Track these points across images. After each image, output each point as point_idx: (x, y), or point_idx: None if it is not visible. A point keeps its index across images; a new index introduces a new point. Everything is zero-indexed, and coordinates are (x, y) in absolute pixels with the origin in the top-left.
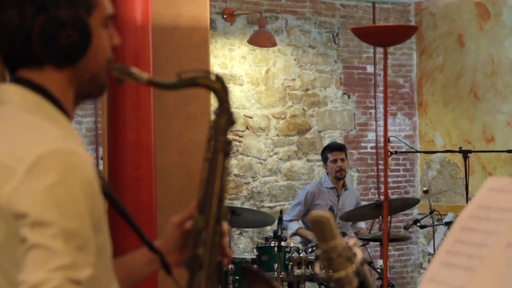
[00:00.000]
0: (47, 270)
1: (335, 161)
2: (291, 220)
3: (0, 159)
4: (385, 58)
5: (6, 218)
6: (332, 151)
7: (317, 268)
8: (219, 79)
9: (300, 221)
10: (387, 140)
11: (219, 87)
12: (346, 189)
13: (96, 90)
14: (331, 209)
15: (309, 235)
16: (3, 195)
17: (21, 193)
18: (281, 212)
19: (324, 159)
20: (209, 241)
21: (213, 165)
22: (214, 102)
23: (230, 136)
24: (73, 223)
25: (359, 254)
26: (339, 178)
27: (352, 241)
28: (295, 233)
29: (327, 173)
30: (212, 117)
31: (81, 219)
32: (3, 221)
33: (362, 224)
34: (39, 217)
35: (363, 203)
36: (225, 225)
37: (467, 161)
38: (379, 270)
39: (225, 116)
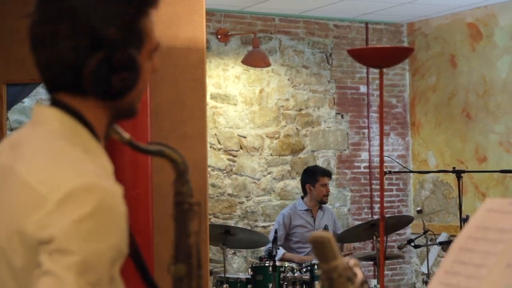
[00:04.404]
0: None
1: (325, 185)
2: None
3: (32, 185)
4: (381, 79)
5: (30, 246)
6: (324, 176)
7: None
8: (180, 154)
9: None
10: (383, 161)
11: (181, 161)
12: (322, 210)
13: (129, 115)
14: (325, 228)
15: (295, 258)
16: (30, 223)
17: (50, 221)
18: (275, 231)
19: (313, 181)
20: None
21: (184, 222)
22: (210, 123)
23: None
24: (93, 259)
25: (360, 274)
26: (323, 202)
27: (352, 261)
28: (281, 259)
29: (302, 197)
30: (174, 185)
31: (102, 258)
32: (26, 249)
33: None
34: (62, 244)
35: (356, 222)
36: (205, 270)
37: (460, 181)
38: None
39: (187, 185)
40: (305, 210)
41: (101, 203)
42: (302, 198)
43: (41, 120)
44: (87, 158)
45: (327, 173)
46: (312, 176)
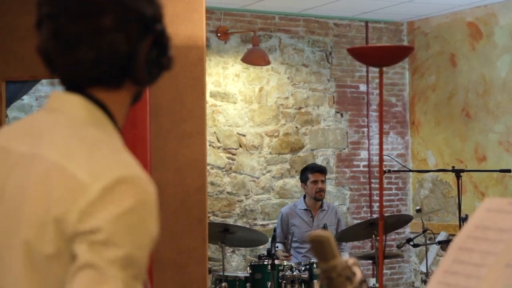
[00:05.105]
0: None
1: (315, 182)
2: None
3: (71, 171)
4: (381, 78)
5: (67, 234)
6: (314, 172)
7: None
8: None
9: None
10: (382, 160)
11: None
12: (323, 210)
13: (138, 101)
14: (324, 227)
15: (279, 255)
16: (71, 211)
17: (93, 211)
18: (274, 230)
19: (304, 179)
20: None
21: None
22: (209, 121)
23: None
24: (139, 252)
25: (359, 273)
26: (318, 199)
27: (351, 260)
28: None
29: (304, 196)
30: None
31: (144, 250)
32: (60, 237)
33: (345, 254)
34: (107, 236)
35: (356, 221)
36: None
37: (459, 180)
38: None
39: None
40: (304, 209)
41: (143, 196)
42: (304, 197)
43: (61, 107)
44: (123, 148)
45: (318, 169)
46: (303, 174)
